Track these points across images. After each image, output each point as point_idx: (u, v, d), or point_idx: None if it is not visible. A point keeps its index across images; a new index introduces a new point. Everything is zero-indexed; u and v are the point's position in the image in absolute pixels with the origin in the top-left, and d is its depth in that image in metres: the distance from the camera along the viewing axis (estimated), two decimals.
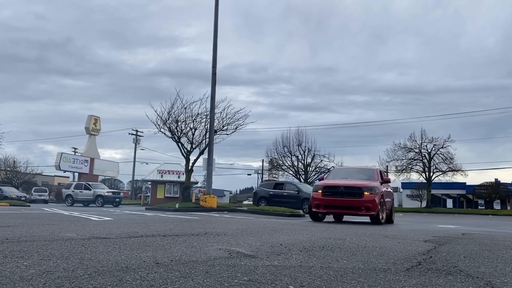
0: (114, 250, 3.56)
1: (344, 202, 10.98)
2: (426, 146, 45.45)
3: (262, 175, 54.54)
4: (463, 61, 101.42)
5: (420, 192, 53.41)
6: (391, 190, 13.74)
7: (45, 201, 39.79)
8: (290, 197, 22.07)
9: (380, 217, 11.02)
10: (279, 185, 24.13)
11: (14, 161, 58.90)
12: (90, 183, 35.78)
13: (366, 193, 10.88)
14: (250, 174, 67.78)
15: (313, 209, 11.38)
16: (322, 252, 3.97)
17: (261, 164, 54.67)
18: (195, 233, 5.44)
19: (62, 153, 51.29)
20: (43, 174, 67.77)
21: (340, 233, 6.65)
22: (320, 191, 11.24)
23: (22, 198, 35.98)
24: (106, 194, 32.70)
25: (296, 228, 7.68)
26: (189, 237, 4.88)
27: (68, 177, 68.69)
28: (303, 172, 46.03)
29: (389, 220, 12.38)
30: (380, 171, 13.26)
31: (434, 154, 45.21)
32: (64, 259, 2.99)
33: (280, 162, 46.22)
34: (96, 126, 54.09)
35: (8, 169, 57.91)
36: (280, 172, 49.22)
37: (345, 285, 2.48)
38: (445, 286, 2.59)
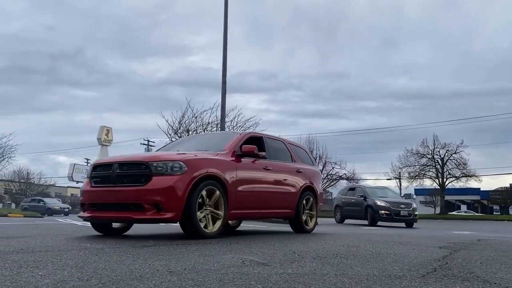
0: (127, 259, 3.57)
1: (114, 195, 5.70)
2: (439, 151, 45.14)
3: None
4: (476, 64, 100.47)
5: (434, 198, 52.89)
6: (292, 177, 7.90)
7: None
8: (356, 205, 18.73)
9: (190, 224, 5.62)
10: (351, 190, 20.52)
11: (27, 172, 59.59)
12: None
13: (158, 175, 5.51)
14: None
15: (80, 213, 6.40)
16: (336, 260, 3.93)
17: None
18: (207, 242, 5.43)
19: (74, 164, 51.65)
20: (56, 185, 68.40)
21: (354, 240, 6.60)
22: (88, 179, 6.24)
23: (66, 210, 36.03)
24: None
25: (309, 235, 7.64)
26: (201, 246, 4.87)
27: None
28: None
29: (300, 228, 8.13)
30: (258, 138, 7.63)
31: (447, 159, 44.83)
32: (78, 269, 3.00)
33: None
34: (108, 137, 54.42)
35: (22, 180, 58.58)
36: None
37: None
38: None
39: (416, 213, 17.71)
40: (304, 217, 8.19)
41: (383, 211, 17.34)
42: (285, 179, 7.65)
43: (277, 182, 7.45)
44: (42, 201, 39.25)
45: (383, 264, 3.71)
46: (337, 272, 3.18)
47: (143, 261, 3.48)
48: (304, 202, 8.19)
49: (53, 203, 39.50)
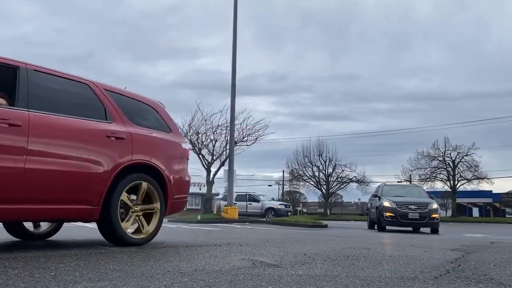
0: (138, 261, 3.57)
1: None
2: (450, 154, 44.69)
3: (283, 186, 54.37)
4: (488, 65, 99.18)
5: (445, 201, 52.43)
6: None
7: None
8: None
9: None
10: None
11: None
12: None
13: None
14: (271, 185, 67.45)
15: None
16: (347, 262, 3.91)
17: (282, 174, 54.51)
18: (218, 244, 5.43)
19: None
20: None
21: (365, 242, 6.56)
22: None
23: None
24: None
25: (320, 238, 7.60)
26: (212, 248, 4.87)
27: None
28: (324, 183, 45.69)
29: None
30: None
31: (458, 162, 44.39)
32: (90, 270, 3.01)
33: (301, 172, 46.03)
34: None
35: None
36: (301, 183, 49.04)
37: None
38: None
39: (435, 215, 13.77)
40: (127, 218, 4.92)
41: (388, 213, 13.83)
42: (66, 150, 4.40)
43: (43, 154, 4.18)
44: None
45: (395, 266, 3.68)
46: (348, 273, 3.16)
47: (153, 262, 3.48)
48: (126, 192, 4.86)
49: None
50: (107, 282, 2.56)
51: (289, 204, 35.86)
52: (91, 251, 4.30)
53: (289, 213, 28.74)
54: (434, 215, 13.73)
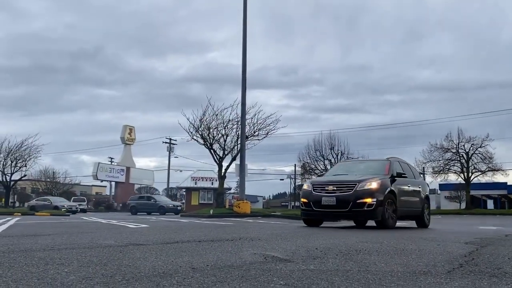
0: (151, 256, 3.60)
1: None
2: (464, 145, 44.21)
3: (295, 180, 54.28)
4: (504, 54, 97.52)
5: (459, 193, 51.91)
6: None
7: (84, 211, 40.52)
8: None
9: None
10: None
11: (53, 172, 60.85)
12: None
13: None
14: (282, 179, 67.48)
15: None
16: (359, 256, 3.89)
17: (294, 168, 54.43)
18: (230, 239, 5.44)
19: (99, 163, 52.60)
20: (80, 184, 69.65)
21: (377, 236, 6.52)
22: None
23: (179, 208, 34.52)
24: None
25: (331, 232, 7.59)
26: (224, 242, 4.89)
27: (105, 186, 70.43)
28: None
29: None
30: None
31: (472, 154, 43.90)
32: (103, 266, 3.04)
33: (313, 166, 45.89)
34: (131, 136, 55.29)
35: (48, 180, 59.85)
36: (313, 177, 48.88)
37: None
38: None
39: (368, 200, 8.72)
40: None
41: (302, 200, 9.78)
42: None
43: None
44: (153, 198, 37.24)
45: (407, 260, 3.65)
46: (361, 268, 3.15)
47: (166, 258, 3.50)
48: None
49: (164, 200, 37.53)
50: (119, 277, 2.59)
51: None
52: (103, 246, 4.34)
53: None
54: (365, 200, 8.65)
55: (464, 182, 44.81)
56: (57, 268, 2.91)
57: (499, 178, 45.49)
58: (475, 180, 45.01)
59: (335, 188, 9.09)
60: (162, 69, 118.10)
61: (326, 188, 9.23)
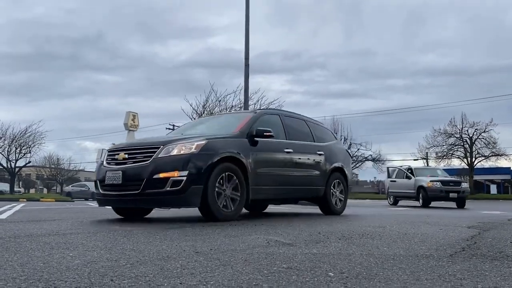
0: (155, 241, 3.63)
1: None
2: (467, 130, 44.10)
3: None
4: (508, 38, 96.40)
5: (462, 179, 51.98)
6: None
7: (86, 198, 40.72)
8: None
9: None
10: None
11: (57, 158, 61.18)
12: None
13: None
14: None
15: None
16: (362, 240, 3.91)
17: None
18: (233, 223, 5.48)
19: (102, 149, 52.67)
20: (85, 170, 70.03)
21: (380, 221, 6.56)
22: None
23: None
24: None
25: (334, 217, 7.62)
26: (227, 227, 4.92)
27: None
28: None
29: None
30: None
31: (475, 139, 43.81)
32: (107, 250, 3.08)
33: None
34: (134, 122, 55.16)
35: (53, 166, 60.21)
36: None
37: (386, 271, 2.44)
38: (491, 271, 2.50)
39: (164, 174, 5.24)
40: None
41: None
42: None
43: None
44: None
45: (410, 244, 3.67)
46: (363, 252, 3.17)
47: (170, 242, 3.53)
48: None
49: None
50: (124, 261, 2.61)
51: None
52: (108, 230, 4.39)
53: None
54: (168, 174, 5.55)
55: (467, 167, 44.80)
56: (62, 253, 2.94)
57: (502, 163, 45.52)
58: (478, 165, 45.05)
59: (127, 157, 5.94)
60: (164, 54, 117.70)
61: (116, 156, 6.06)
